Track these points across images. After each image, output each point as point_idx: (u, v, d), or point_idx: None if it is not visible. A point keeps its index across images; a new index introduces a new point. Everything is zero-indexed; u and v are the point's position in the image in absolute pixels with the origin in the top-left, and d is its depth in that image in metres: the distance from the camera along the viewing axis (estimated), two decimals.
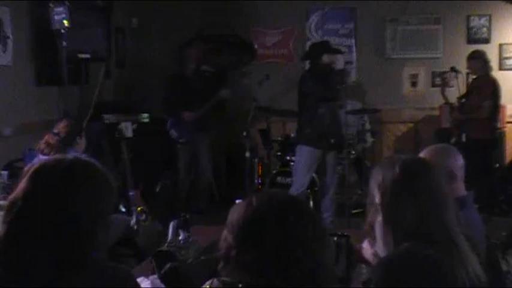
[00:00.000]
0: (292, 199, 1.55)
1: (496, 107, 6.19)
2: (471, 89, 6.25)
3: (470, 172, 2.58)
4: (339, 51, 5.52)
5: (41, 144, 3.93)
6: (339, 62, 5.32)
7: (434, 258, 1.73)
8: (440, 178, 1.89)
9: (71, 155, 1.71)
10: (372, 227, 2.30)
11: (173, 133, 6.19)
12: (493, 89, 6.17)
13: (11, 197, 1.58)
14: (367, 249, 2.32)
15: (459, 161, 2.52)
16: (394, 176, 1.85)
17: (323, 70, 5.32)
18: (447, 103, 6.47)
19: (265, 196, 1.52)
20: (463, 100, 6.34)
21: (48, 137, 3.94)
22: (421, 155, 2.49)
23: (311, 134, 5.39)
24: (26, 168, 1.64)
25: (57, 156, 1.73)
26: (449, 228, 1.79)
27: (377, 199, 1.88)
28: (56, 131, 3.96)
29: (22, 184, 1.57)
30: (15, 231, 1.53)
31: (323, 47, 5.57)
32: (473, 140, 5.96)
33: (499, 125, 6.43)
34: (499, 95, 6.20)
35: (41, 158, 3.86)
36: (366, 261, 2.48)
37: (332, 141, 5.30)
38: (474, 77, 6.32)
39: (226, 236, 1.49)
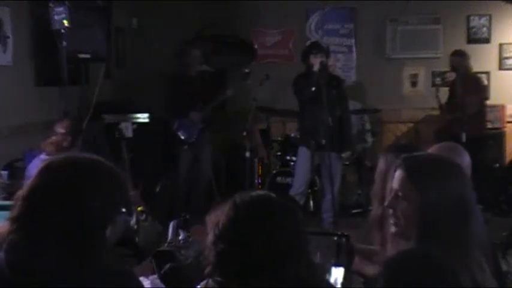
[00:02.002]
0: (272, 199, 1.54)
1: (482, 103, 6.22)
2: (454, 87, 6.26)
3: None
4: (322, 51, 5.47)
5: (50, 145, 3.94)
6: (316, 64, 5.28)
7: (440, 261, 1.70)
8: (470, 185, 1.84)
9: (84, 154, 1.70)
10: (377, 222, 2.28)
11: (182, 134, 6.18)
12: (476, 84, 6.22)
13: (18, 194, 1.57)
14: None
15: (468, 159, 2.53)
16: (429, 171, 1.78)
17: (310, 71, 5.36)
18: (439, 105, 6.49)
19: (246, 197, 1.51)
20: (448, 100, 6.37)
21: (59, 139, 3.96)
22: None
23: (305, 134, 5.44)
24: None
25: (69, 153, 1.72)
26: (468, 235, 1.73)
27: (396, 185, 1.80)
28: (62, 130, 3.98)
29: (31, 181, 1.57)
30: (21, 228, 1.52)
31: (309, 48, 5.58)
32: (462, 138, 5.94)
33: (486, 123, 6.44)
34: (483, 90, 6.24)
35: (42, 158, 3.87)
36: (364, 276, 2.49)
37: (323, 142, 5.29)
38: (453, 78, 6.34)
39: (213, 240, 1.48)
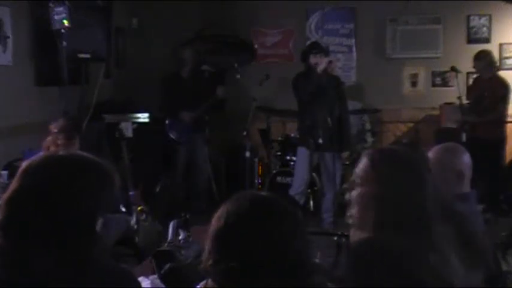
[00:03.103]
0: (264, 199, 1.53)
1: (507, 109, 6.24)
2: (482, 90, 6.20)
3: (480, 172, 2.58)
4: (322, 52, 5.49)
5: (49, 143, 3.98)
6: (322, 64, 5.29)
7: (403, 250, 1.75)
8: (430, 184, 1.87)
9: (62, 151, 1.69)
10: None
11: (173, 134, 6.24)
12: (506, 91, 6.19)
13: (4, 196, 1.56)
14: None
15: (467, 160, 2.53)
16: (391, 163, 1.86)
17: (309, 71, 5.35)
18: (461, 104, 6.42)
19: (246, 197, 1.51)
20: (469, 101, 6.30)
21: (55, 138, 3.98)
22: (430, 153, 2.50)
23: (304, 134, 5.44)
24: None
25: (47, 152, 1.72)
26: (428, 229, 1.79)
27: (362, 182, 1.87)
28: (57, 129, 3.99)
29: (13, 183, 1.56)
30: (10, 230, 1.52)
31: (309, 48, 5.59)
32: (484, 140, 5.92)
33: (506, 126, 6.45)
34: (510, 96, 6.23)
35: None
36: None
37: (320, 141, 5.28)
38: (476, 76, 6.31)
39: (209, 245, 1.48)
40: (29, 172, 1.56)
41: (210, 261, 1.46)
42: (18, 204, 1.52)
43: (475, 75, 6.37)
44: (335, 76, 5.77)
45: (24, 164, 1.60)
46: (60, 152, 1.66)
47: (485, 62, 6.22)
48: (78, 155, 1.63)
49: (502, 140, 6.29)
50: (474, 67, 6.33)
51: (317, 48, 5.50)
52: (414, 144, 2.61)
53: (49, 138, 4.02)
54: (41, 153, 1.74)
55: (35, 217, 1.50)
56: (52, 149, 3.96)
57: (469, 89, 6.41)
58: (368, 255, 1.75)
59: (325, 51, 5.47)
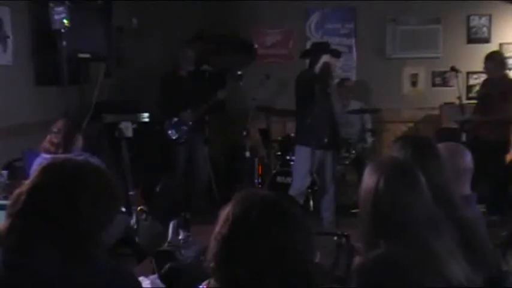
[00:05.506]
0: (271, 203, 1.52)
1: None
2: (490, 89, 6.16)
3: (481, 173, 2.58)
4: (337, 54, 5.51)
5: (46, 143, 3.98)
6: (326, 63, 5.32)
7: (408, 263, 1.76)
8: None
9: (82, 157, 1.75)
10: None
11: (172, 133, 6.22)
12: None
13: (18, 190, 1.59)
14: None
15: (468, 161, 2.52)
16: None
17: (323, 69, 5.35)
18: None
19: (247, 197, 1.51)
20: (478, 102, 6.26)
21: (51, 137, 3.99)
22: None
23: (306, 133, 5.43)
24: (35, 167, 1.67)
25: (68, 156, 1.77)
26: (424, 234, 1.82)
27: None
28: (55, 129, 3.99)
29: (31, 178, 1.59)
30: (18, 224, 1.53)
31: (325, 47, 5.60)
32: (487, 140, 5.88)
33: None
34: None
35: (44, 156, 3.88)
36: None
37: (325, 140, 5.28)
38: (486, 77, 6.26)
39: (214, 248, 1.48)
40: (41, 173, 1.62)
41: (214, 264, 1.46)
42: (29, 201, 1.55)
43: (486, 76, 6.28)
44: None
45: (46, 161, 1.68)
46: (81, 158, 1.71)
47: (496, 62, 6.16)
48: (82, 161, 1.68)
49: (505, 142, 6.23)
50: (485, 68, 6.22)
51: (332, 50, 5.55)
52: (427, 138, 2.59)
53: (47, 138, 4.02)
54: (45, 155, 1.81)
55: (37, 218, 1.51)
56: (49, 148, 3.96)
57: (481, 87, 6.36)
58: (380, 271, 1.77)
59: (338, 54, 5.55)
